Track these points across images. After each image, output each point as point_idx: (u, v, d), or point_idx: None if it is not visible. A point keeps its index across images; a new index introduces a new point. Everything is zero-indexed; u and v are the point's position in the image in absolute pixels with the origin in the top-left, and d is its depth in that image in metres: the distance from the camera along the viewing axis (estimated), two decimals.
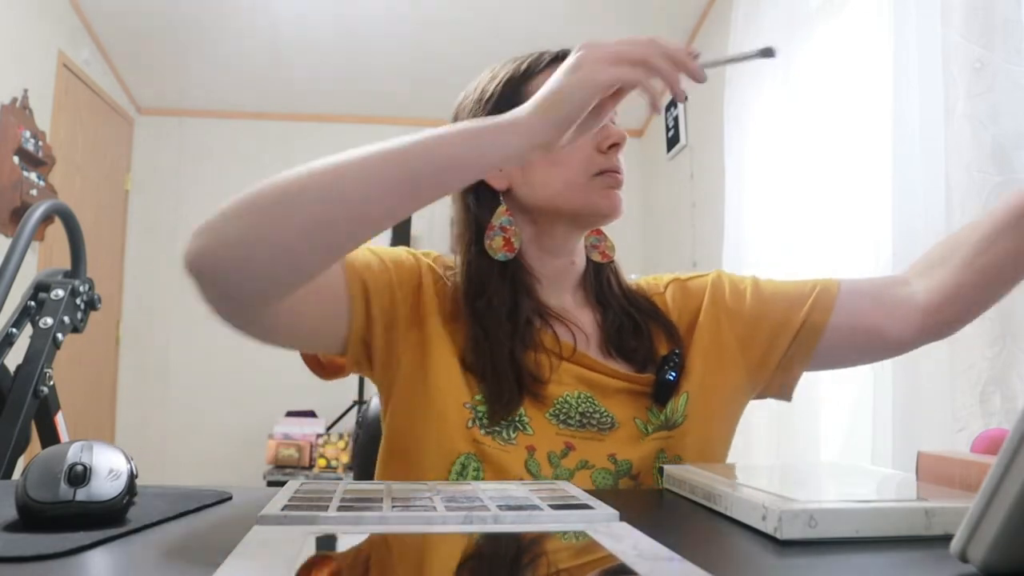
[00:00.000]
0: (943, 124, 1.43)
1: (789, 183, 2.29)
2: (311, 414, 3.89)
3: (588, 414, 0.81)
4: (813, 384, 2.14)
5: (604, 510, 0.55)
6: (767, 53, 0.68)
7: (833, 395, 2.10)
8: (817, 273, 2.12)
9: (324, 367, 0.87)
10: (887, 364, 1.60)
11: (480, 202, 0.86)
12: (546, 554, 0.47)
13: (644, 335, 0.87)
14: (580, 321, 0.88)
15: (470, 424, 0.79)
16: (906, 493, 0.62)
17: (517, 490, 0.63)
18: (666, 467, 0.74)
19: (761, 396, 0.92)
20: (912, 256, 1.55)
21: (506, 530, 0.50)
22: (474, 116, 0.85)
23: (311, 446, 3.73)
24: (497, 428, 0.79)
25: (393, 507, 0.55)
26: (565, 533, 0.50)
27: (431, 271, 0.86)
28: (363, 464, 1.05)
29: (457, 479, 0.78)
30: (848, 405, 2.02)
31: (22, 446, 1.14)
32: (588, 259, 0.92)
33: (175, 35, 3.66)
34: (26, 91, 3.07)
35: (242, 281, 0.65)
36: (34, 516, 0.52)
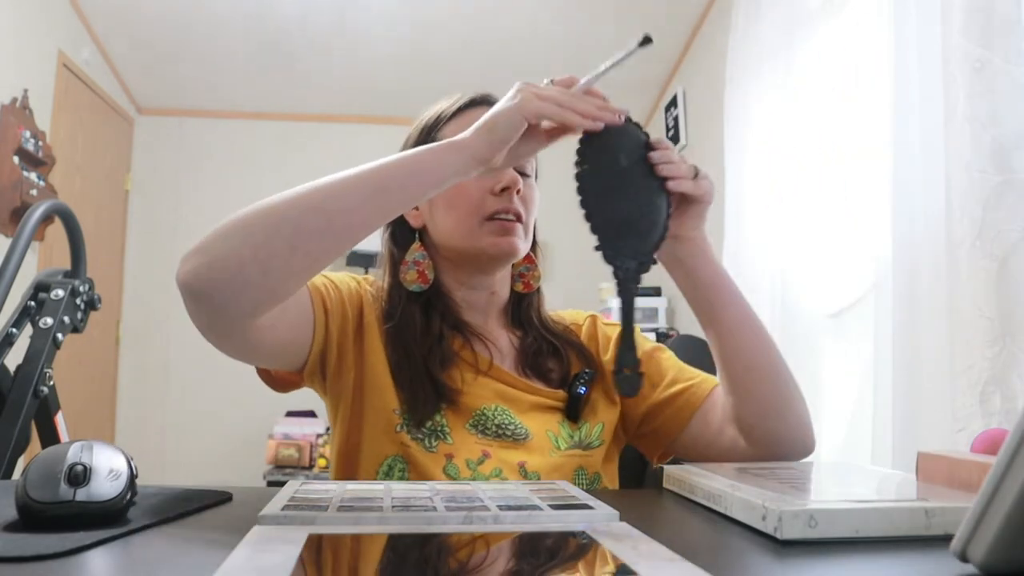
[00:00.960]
0: (943, 124, 1.42)
1: (789, 183, 2.29)
2: (311, 414, 3.89)
3: (504, 425, 0.87)
4: (813, 384, 2.14)
5: (604, 510, 0.55)
6: (646, 41, 0.77)
7: (833, 395, 2.10)
8: (815, 273, 2.12)
9: (277, 381, 0.93)
10: (887, 364, 1.60)
11: (396, 238, 0.95)
12: (546, 554, 0.47)
13: (562, 358, 0.95)
14: (498, 340, 0.95)
15: (398, 428, 0.85)
16: (906, 493, 0.62)
17: (517, 490, 0.63)
18: (666, 467, 0.75)
19: (632, 443, 1.00)
20: (912, 257, 1.55)
21: (506, 530, 0.50)
22: None
23: (311, 446, 3.73)
24: (421, 435, 0.85)
25: (393, 507, 0.55)
26: (565, 533, 0.50)
27: (368, 293, 0.93)
28: None
29: (384, 479, 0.84)
30: (848, 405, 2.02)
31: (22, 446, 1.14)
32: (512, 288, 0.99)
33: (175, 35, 3.66)
34: (26, 91, 3.07)
35: (234, 296, 0.69)
36: (34, 516, 0.52)
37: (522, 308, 0.98)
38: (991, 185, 1.31)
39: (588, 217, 0.72)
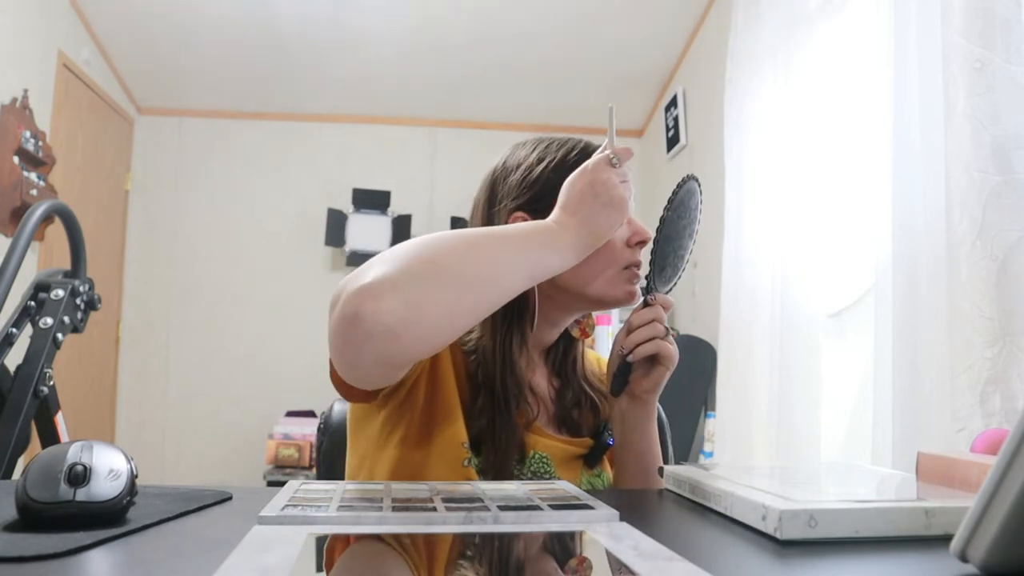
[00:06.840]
0: (943, 124, 1.42)
1: (789, 183, 2.29)
2: (311, 414, 3.88)
3: (538, 473, 0.90)
4: (813, 384, 2.14)
5: (604, 510, 0.55)
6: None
7: (833, 395, 2.10)
8: (815, 273, 2.10)
9: (351, 393, 0.88)
10: (887, 364, 1.60)
11: None
12: (546, 554, 0.47)
13: (597, 409, 0.97)
14: (540, 391, 0.96)
15: (465, 464, 0.86)
16: (906, 493, 0.62)
17: (517, 490, 0.63)
18: (666, 467, 0.75)
19: None
20: (912, 257, 1.55)
21: (506, 530, 0.50)
22: (519, 197, 0.92)
23: (311, 446, 3.72)
24: (485, 475, 0.87)
25: (393, 507, 0.55)
26: (565, 533, 0.50)
27: None
28: (327, 470, 1.04)
29: None
30: (848, 405, 2.03)
31: (22, 446, 1.14)
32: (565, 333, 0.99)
33: (175, 35, 3.66)
34: (26, 91, 3.07)
35: (421, 340, 0.69)
36: (34, 516, 0.52)
37: (568, 358, 0.99)
38: (991, 185, 1.31)
39: (655, 252, 0.87)
